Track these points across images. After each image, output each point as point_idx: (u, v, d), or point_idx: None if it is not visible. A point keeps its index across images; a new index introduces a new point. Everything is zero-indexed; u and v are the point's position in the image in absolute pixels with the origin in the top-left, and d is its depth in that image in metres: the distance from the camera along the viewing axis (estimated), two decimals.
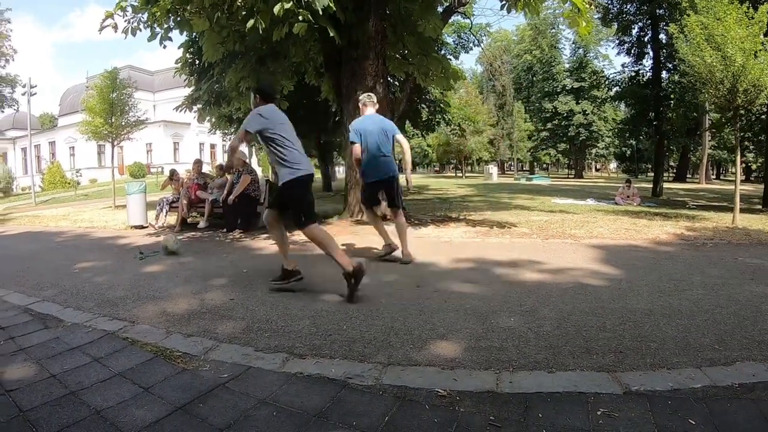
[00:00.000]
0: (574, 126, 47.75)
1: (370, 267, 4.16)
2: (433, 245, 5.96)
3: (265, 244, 6.40)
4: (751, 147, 28.16)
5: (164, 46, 7.17)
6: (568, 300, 3.41)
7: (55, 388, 2.20)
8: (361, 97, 5.17)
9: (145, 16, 6.56)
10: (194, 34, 8.86)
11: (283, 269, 3.90)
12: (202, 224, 8.51)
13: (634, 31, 22.18)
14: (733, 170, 18.95)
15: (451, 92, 23.91)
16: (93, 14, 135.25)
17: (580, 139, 48.51)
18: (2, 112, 41.41)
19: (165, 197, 9.23)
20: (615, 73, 24.85)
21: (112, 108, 15.34)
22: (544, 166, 61.72)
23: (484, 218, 8.70)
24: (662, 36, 19.97)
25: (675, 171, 38.60)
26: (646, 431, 1.74)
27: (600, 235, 6.54)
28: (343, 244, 5.96)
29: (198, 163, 9.65)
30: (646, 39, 21.60)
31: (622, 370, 2.24)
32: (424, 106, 22.13)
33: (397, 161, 6.49)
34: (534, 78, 52.54)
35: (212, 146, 43.40)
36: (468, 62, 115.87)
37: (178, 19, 6.70)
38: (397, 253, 5.00)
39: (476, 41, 27.51)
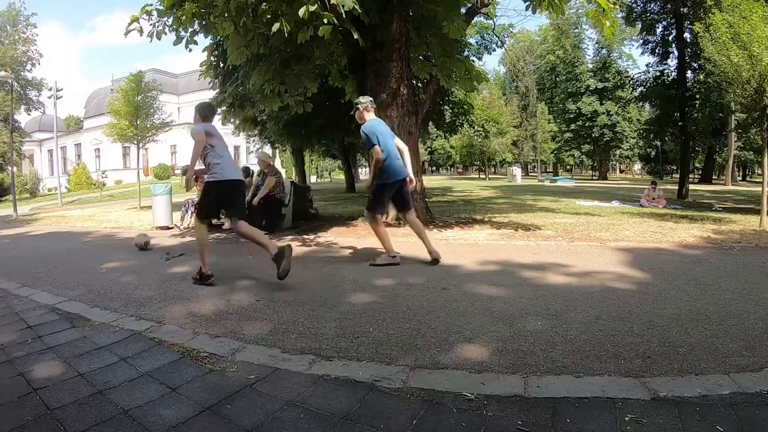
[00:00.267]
0: (598, 127, 47.16)
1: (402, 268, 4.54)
2: (458, 247, 5.90)
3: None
4: None
5: (190, 50, 7.22)
6: (595, 304, 3.33)
7: (82, 386, 2.20)
8: (364, 101, 5.07)
9: (170, 20, 6.63)
10: (218, 36, 8.94)
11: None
12: (226, 225, 8.56)
13: (658, 30, 21.81)
14: (760, 171, 18.39)
15: (474, 93, 23.75)
16: (118, 19, 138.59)
17: (605, 140, 47.87)
18: (29, 114, 42.81)
19: (190, 198, 9.35)
20: (639, 73, 24.25)
21: (137, 110, 15.68)
22: (568, 167, 60.87)
23: (509, 220, 8.60)
24: (687, 35, 19.52)
25: (700, 172, 37.63)
26: None
27: (626, 237, 6.41)
28: (367, 246, 6.05)
29: None
30: (670, 38, 21.21)
31: (650, 375, 2.19)
32: (447, 107, 22.04)
33: None
34: (557, 78, 52.03)
35: (236, 148, 43.92)
36: (491, 63, 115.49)
37: (204, 22, 6.75)
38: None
39: (499, 42, 27.34)
